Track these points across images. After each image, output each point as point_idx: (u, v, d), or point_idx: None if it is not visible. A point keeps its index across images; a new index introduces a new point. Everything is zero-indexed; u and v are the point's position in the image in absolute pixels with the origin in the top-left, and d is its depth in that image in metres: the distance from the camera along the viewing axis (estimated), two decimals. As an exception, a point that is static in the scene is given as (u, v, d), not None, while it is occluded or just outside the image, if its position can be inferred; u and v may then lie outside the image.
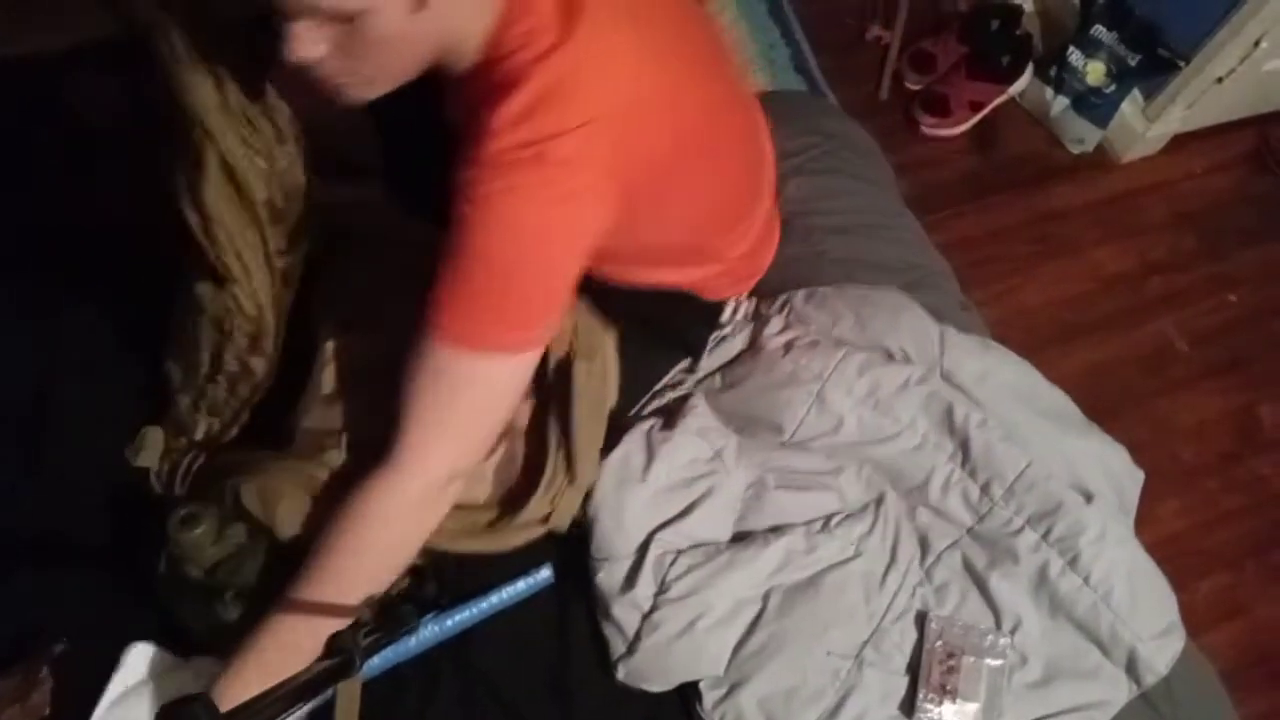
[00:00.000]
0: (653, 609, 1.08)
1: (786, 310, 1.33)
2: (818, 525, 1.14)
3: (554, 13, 0.85)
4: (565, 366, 1.08)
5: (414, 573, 1.04)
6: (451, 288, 0.89)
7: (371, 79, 0.89)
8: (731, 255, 1.25)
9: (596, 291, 1.13)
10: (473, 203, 0.85)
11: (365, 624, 1.01)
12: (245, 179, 0.99)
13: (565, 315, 1.05)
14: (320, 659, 0.89)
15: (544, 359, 1.09)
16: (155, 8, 0.90)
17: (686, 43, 1.02)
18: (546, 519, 1.10)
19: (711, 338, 1.31)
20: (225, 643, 0.97)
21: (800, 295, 1.33)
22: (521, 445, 1.12)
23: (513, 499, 1.10)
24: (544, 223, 0.87)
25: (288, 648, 0.92)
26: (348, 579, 0.94)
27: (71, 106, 1.34)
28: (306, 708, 0.95)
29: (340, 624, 0.89)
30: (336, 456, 1.05)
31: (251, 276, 1.04)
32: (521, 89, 0.83)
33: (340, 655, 0.95)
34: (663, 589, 1.08)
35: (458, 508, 1.04)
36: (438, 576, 1.06)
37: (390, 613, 1.03)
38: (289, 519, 1.01)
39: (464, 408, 0.94)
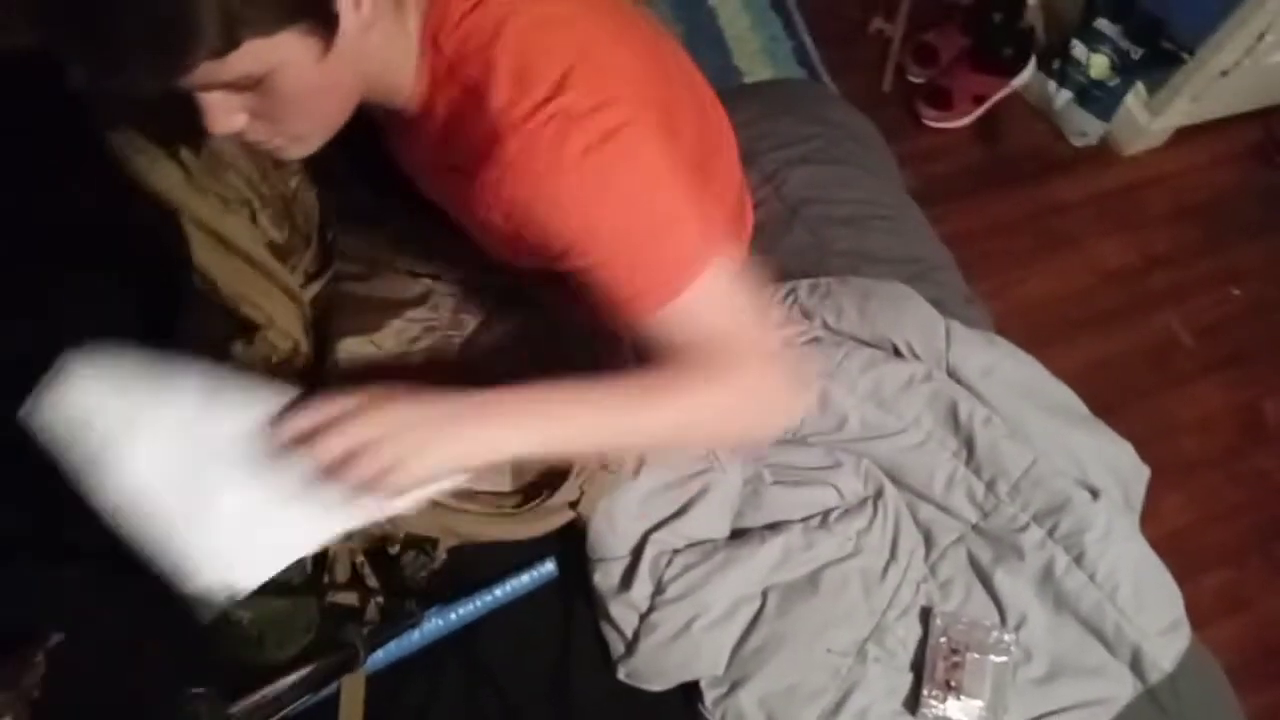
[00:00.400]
0: (650, 610, 1.07)
1: (789, 302, 1.32)
2: (815, 521, 1.13)
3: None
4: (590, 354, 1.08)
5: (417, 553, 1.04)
6: (613, 272, 0.85)
7: (302, 135, 0.86)
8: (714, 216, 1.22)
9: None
10: (561, 183, 0.81)
11: (370, 620, 1.02)
12: (233, 238, 0.96)
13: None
14: (325, 654, 0.88)
15: (567, 348, 1.09)
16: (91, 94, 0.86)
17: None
18: (575, 504, 1.08)
19: None
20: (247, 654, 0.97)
21: (804, 287, 1.32)
22: None
23: (538, 486, 1.08)
24: (624, 154, 0.83)
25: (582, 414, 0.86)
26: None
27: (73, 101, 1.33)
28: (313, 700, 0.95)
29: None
30: None
31: (276, 319, 1.02)
32: (496, 75, 0.80)
33: (345, 650, 0.96)
34: (659, 589, 1.08)
35: (480, 495, 1.04)
36: (448, 569, 1.05)
37: (395, 607, 1.03)
38: None
39: (724, 324, 0.88)
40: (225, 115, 0.78)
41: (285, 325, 1.02)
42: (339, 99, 0.84)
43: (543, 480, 1.08)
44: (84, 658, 1.00)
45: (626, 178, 0.84)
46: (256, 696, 0.82)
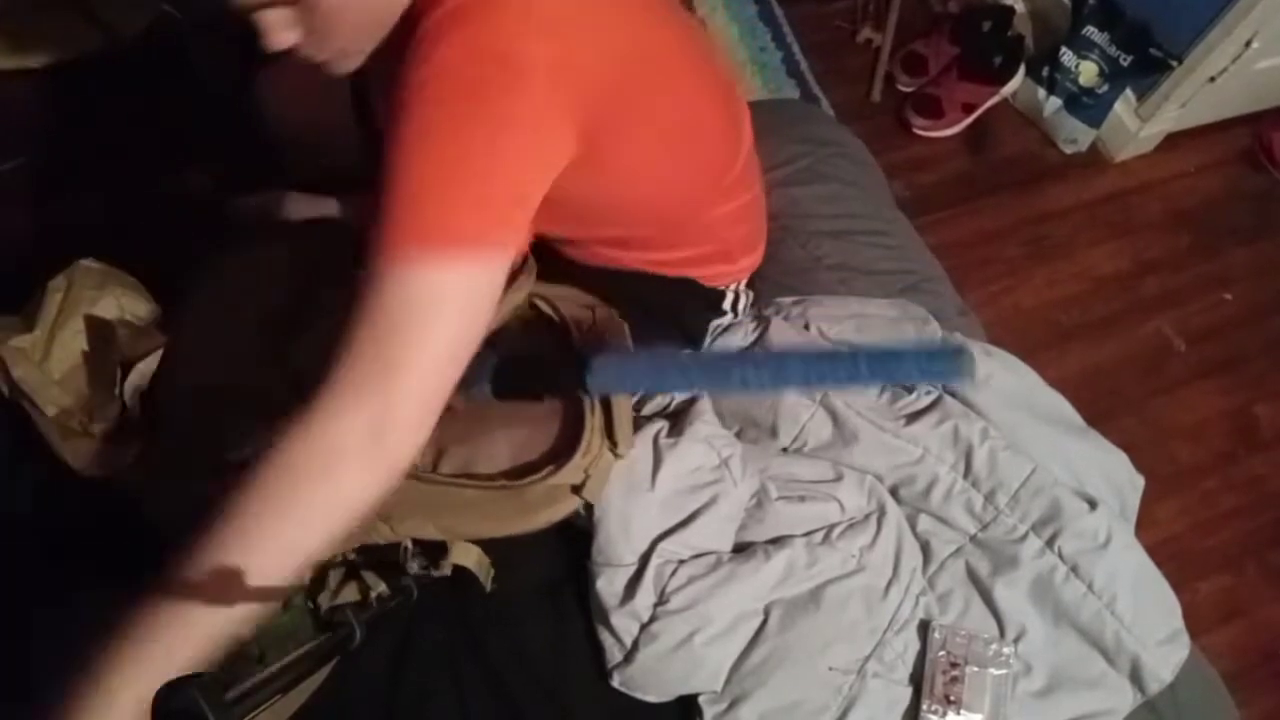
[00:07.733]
0: (651, 619, 1.06)
1: (783, 316, 1.32)
2: (818, 537, 1.12)
3: None
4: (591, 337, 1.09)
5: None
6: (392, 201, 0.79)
7: (345, 51, 0.91)
8: (722, 231, 1.23)
9: (596, 276, 1.14)
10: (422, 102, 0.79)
11: (368, 602, 1.01)
12: None
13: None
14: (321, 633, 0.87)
15: (569, 333, 1.09)
16: None
17: None
18: (579, 489, 1.04)
19: (712, 326, 1.30)
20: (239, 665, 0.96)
21: (804, 302, 1.33)
22: (548, 416, 1.08)
23: (538, 465, 1.04)
24: (496, 118, 0.80)
25: (176, 628, 0.76)
26: (259, 546, 0.79)
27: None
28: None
29: (240, 609, 0.76)
30: None
31: None
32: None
33: (341, 629, 0.95)
34: (662, 600, 1.07)
35: (476, 474, 1.02)
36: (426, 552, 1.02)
37: (393, 583, 1.02)
38: None
39: (416, 334, 0.80)
40: (280, 31, 0.85)
41: None
42: (374, 17, 0.88)
43: (544, 460, 1.04)
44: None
45: (495, 127, 0.81)
46: (253, 681, 0.80)
